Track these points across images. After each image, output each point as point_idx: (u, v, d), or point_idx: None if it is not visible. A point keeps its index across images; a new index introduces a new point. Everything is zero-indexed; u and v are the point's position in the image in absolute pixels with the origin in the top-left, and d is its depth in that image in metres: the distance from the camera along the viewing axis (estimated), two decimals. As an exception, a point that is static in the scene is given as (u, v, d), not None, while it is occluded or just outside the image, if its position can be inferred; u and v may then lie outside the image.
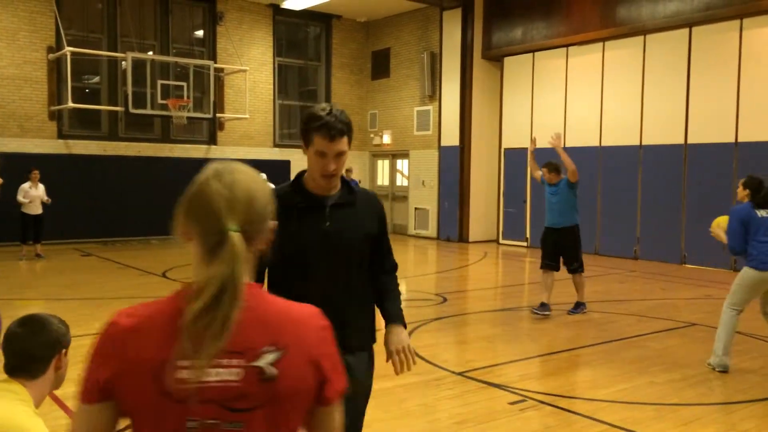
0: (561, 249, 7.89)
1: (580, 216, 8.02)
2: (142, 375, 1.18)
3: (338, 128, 2.37)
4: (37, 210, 11.97)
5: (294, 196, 2.49)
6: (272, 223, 1.34)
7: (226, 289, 1.18)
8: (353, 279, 2.56)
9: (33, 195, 11.91)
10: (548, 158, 8.20)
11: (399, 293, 2.75)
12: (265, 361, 1.20)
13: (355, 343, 2.52)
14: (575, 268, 7.91)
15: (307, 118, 2.42)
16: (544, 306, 7.75)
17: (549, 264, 7.95)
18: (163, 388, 1.17)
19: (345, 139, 2.41)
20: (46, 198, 12.00)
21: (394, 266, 2.77)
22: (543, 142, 15.54)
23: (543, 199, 8.06)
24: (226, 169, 1.30)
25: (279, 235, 2.18)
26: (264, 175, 9.54)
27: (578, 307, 8.02)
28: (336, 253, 2.49)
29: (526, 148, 15.36)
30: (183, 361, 1.17)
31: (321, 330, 1.31)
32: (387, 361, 2.63)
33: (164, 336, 1.19)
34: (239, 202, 1.25)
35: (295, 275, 2.49)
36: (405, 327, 2.67)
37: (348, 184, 2.58)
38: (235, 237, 1.22)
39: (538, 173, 8.17)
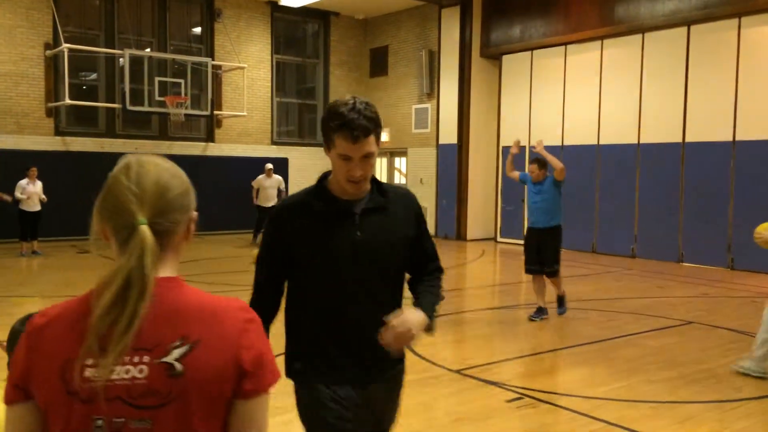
0: (542, 250, 7.52)
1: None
2: (50, 374, 1.17)
3: (362, 127, 2.02)
4: (34, 207, 11.97)
5: (315, 204, 2.17)
6: (194, 214, 1.33)
7: (133, 283, 1.16)
8: (394, 295, 2.27)
9: (30, 191, 11.90)
10: (527, 161, 7.94)
11: (439, 294, 2.38)
12: (173, 356, 1.18)
13: (393, 364, 2.29)
14: (555, 270, 7.51)
15: (326, 116, 2.09)
16: (541, 311, 7.56)
17: (534, 269, 7.60)
18: (69, 387, 1.16)
19: (372, 138, 2.06)
20: (42, 196, 12.00)
21: (440, 268, 2.43)
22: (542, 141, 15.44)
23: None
24: (135, 163, 1.27)
25: (300, 251, 2.15)
26: (270, 165, 9.47)
27: (563, 303, 7.68)
28: (371, 267, 2.17)
29: (524, 147, 15.40)
30: (89, 360, 1.15)
31: (243, 323, 1.25)
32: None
33: (73, 334, 1.18)
34: (147, 194, 1.23)
35: (324, 296, 2.18)
36: (429, 324, 2.22)
37: (379, 184, 2.25)
38: (143, 230, 1.20)
39: (515, 174, 7.86)
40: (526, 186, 7.90)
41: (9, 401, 1.22)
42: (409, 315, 2.13)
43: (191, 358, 1.18)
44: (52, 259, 11.87)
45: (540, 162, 7.54)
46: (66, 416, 1.17)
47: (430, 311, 2.24)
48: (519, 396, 4.92)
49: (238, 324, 1.24)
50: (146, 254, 1.18)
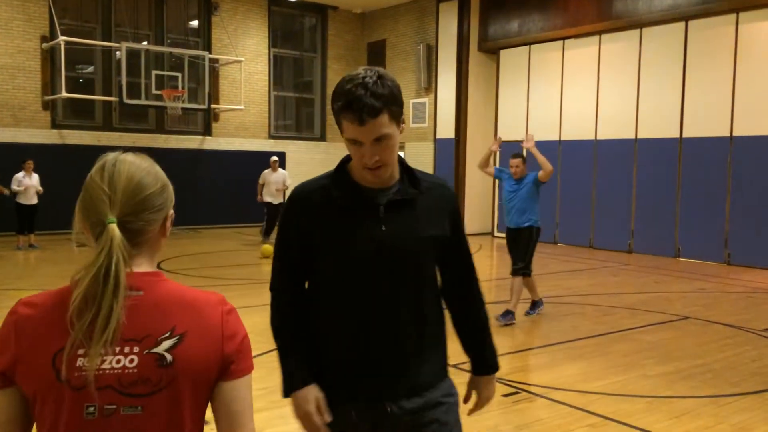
0: (515, 247, 7.14)
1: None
2: (40, 363, 1.22)
3: (368, 106, 1.70)
4: (31, 200, 11.96)
5: (334, 191, 1.86)
6: (170, 212, 1.39)
7: (105, 279, 1.21)
8: (424, 300, 1.94)
9: (27, 184, 11.88)
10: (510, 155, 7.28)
11: (489, 329, 2.14)
12: (164, 347, 1.24)
13: (425, 380, 1.93)
14: (519, 268, 7.05)
15: (332, 95, 1.81)
16: (535, 305, 7.38)
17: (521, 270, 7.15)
18: (60, 375, 1.20)
19: (384, 118, 1.73)
20: (39, 188, 11.98)
21: (477, 284, 2.13)
22: (536, 136, 15.49)
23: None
24: (110, 162, 1.32)
25: (316, 244, 1.87)
26: (275, 158, 9.34)
27: (535, 306, 7.41)
28: (398, 268, 1.86)
29: (521, 141, 15.39)
30: (80, 350, 1.20)
31: (224, 314, 1.33)
32: (465, 402, 2.15)
33: (63, 324, 1.22)
34: (118, 193, 1.28)
35: (343, 298, 1.90)
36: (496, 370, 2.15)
37: (411, 172, 1.93)
38: (111, 228, 1.25)
39: (491, 169, 7.40)
40: (502, 183, 7.42)
41: None
42: (486, 391, 2.12)
43: (180, 349, 1.25)
44: (49, 252, 11.85)
45: (523, 157, 7.13)
46: (57, 404, 1.22)
47: (497, 363, 2.15)
48: (515, 390, 4.93)
49: (219, 315, 1.32)
50: (114, 251, 1.23)
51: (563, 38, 14.33)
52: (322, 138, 18.40)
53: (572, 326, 7.10)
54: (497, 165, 10.83)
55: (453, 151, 16.20)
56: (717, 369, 5.56)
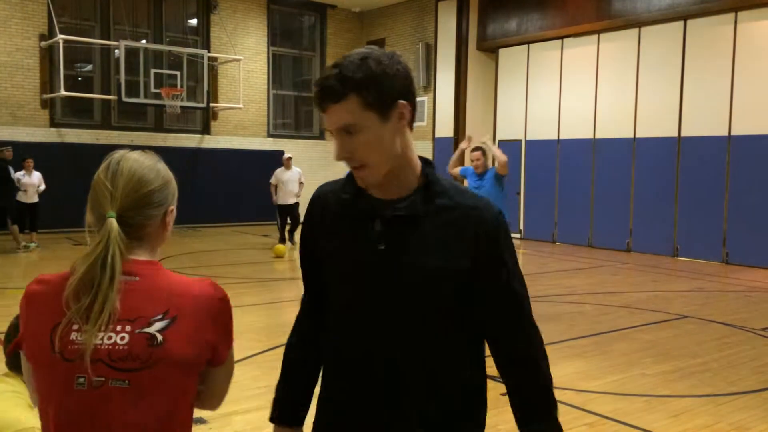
0: None
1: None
2: (40, 334, 1.33)
3: (328, 89, 1.42)
4: (32, 198, 11.93)
5: (342, 193, 1.58)
6: (171, 208, 1.46)
7: (102, 268, 1.31)
8: (437, 354, 1.52)
9: (27, 183, 11.86)
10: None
11: (549, 408, 1.61)
12: (155, 328, 1.33)
13: None
14: None
15: None
16: None
17: None
18: (55, 347, 1.31)
19: (350, 104, 1.42)
20: (42, 186, 11.98)
21: (531, 346, 1.59)
22: (534, 134, 15.51)
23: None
24: (114, 161, 1.42)
25: (322, 253, 1.60)
26: (289, 155, 9.12)
27: None
28: (402, 298, 1.50)
29: (520, 140, 15.43)
30: (74, 326, 1.31)
31: (215, 301, 1.41)
32: None
33: (61, 302, 1.33)
34: (119, 189, 1.37)
35: (335, 327, 1.60)
36: None
37: (432, 183, 1.55)
38: (110, 221, 1.35)
39: (456, 170, 7.32)
40: (465, 181, 7.25)
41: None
42: None
43: (171, 331, 1.33)
44: (48, 251, 11.84)
45: (483, 150, 7.06)
46: (52, 373, 1.32)
47: None
48: (514, 389, 4.93)
49: (210, 302, 1.40)
50: (111, 243, 1.33)
51: (562, 37, 14.33)
52: (321, 137, 18.39)
53: (570, 325, 7.10)
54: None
55: (452, 150, 16.17)
56: (715, 368, 5.57)
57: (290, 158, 12.96)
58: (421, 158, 1.58)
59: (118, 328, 1.31)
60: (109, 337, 1.31)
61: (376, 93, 1.42)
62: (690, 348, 6.18)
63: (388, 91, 1.44)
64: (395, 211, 1.50)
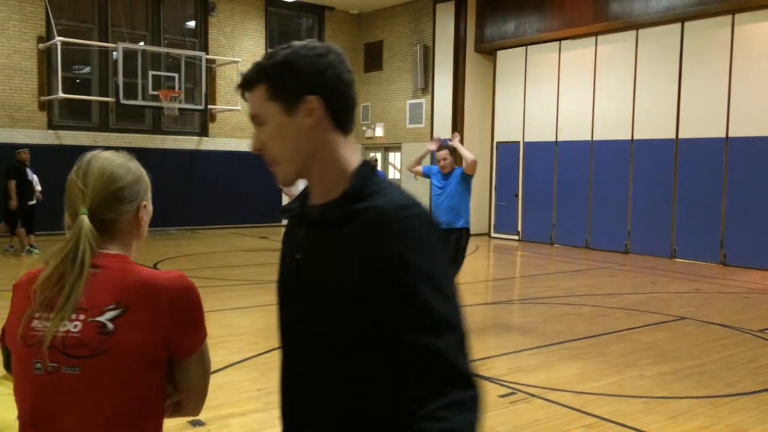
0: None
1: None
2: (15, 321, 1.42)
3: (244, 78, 1.36)
4: (29, 201, 11.92)
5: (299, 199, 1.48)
6: (144, 204, 1.51)
7: (73, 262, 1.37)
8: (335, 374, 1.30)
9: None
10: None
11: None
12: (107, 317, 1.37)
13: None
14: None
15: None
16: None
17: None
18: (19, 334, 1.40)
19: (257, 93, 1.34)
20: (39, 188, 11.97)
21: (454, 402, 1.20)
22: (532, 136, 15.55)
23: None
24: (86, 161, 1.47)
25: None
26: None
27: None
28: (311, 314, 1.33)
29: (518, 142, 15.44)
30: (37, 314, 1.38)
31: (175, 292, 1.41)
32: None
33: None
34: (89, 187, 1.43)
35: (280, 333, 1.46)
36: None
37: (356, 186, 1.33)
38: (81, 218, 1.41)
39: (419, 168, 7.17)
40: (430, 181, 7.11)
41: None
42: None
43: (123, 321, 1.37)
44: (44, 253, 11.82)
45: (451, 149, 6.84)
46: (18, 357, 1.41)
47: None
48: (512, 391, 4.93)
49: (172, 293, 1.41)
50: (82, 239, 1.38)
51: (560, 39, 14.36)
52: (319, 139, 18.38)
53: (568, 327, 7.11)
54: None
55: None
56: (713, 369, 5.58)
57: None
58: (365, 162, 1.40)
59: (73, 316, 1.36)
60: (63, 325, 1.36)
61: (281, 84, 1.31)
62: (688, 349, 6.19)
63: (293, 84, 1.31)
64: (315, 216, 1.36)
